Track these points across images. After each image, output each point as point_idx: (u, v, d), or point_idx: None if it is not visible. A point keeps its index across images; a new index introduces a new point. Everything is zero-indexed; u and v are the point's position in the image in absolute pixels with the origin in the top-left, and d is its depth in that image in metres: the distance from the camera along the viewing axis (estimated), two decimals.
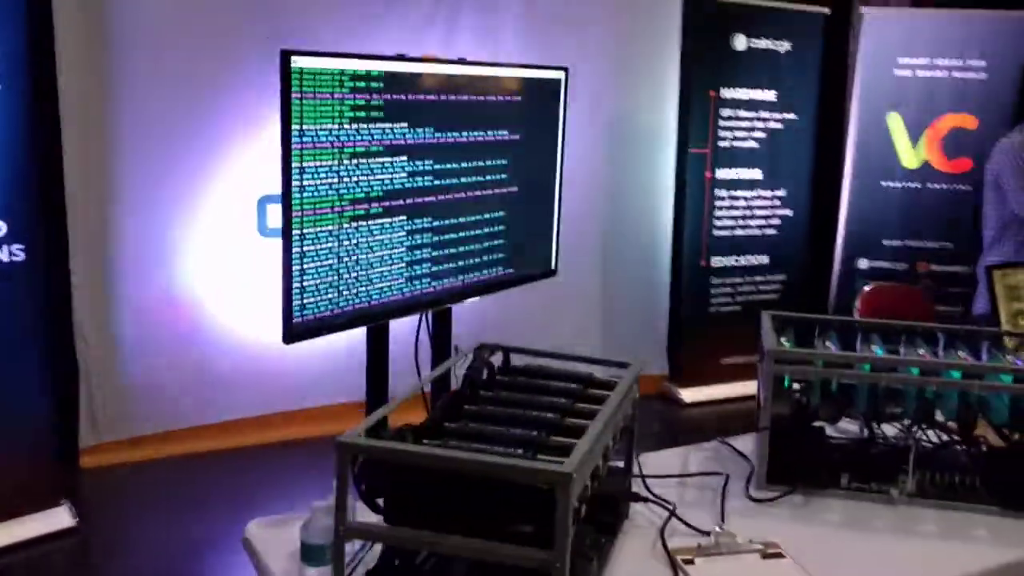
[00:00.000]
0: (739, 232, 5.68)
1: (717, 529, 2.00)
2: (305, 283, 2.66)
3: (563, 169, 3.58)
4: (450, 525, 1.62)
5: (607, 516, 1.96)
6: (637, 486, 2.12)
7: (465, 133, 3.11)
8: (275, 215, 3.82)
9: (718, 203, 5.58)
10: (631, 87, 5.46)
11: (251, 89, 4.30)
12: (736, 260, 5.72)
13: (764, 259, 5.79)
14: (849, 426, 2.37)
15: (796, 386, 2.29)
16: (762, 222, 5.74)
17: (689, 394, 5.57)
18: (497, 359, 2.11)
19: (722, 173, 5.56)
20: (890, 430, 2.31)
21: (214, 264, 4.45)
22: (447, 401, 1.89)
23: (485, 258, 3.29)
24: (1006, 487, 2.16)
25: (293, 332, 2.66)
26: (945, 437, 2.29)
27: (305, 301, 2.67)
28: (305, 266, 2.65)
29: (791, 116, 5.66)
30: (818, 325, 2.45)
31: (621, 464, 2.10)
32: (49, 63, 3.91)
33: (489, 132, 3.20)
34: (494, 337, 2.18)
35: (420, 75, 2.94)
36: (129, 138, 4.21)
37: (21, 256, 3.50)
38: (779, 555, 1.91)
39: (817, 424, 2.30)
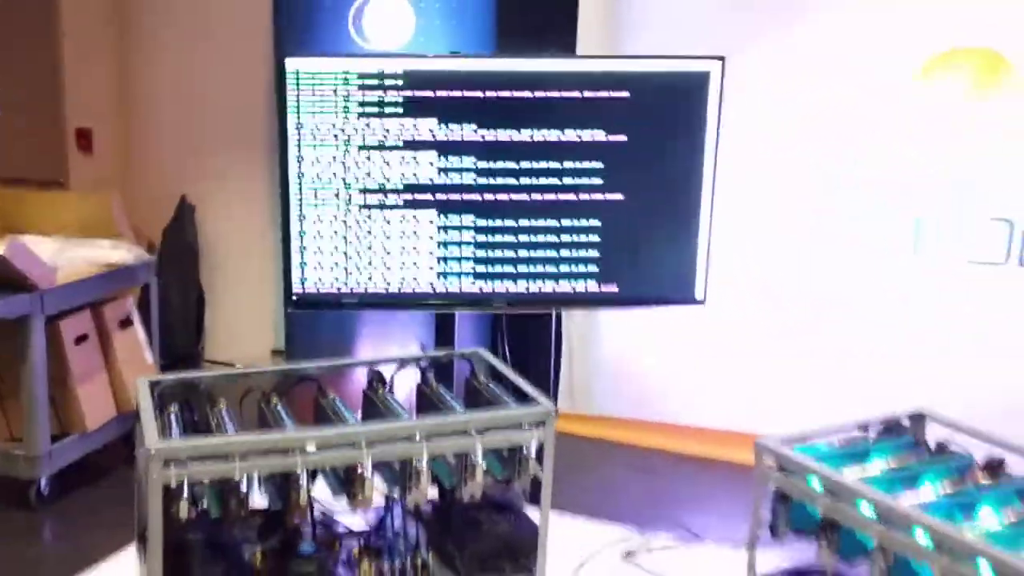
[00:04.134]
0: None
1: None
2: (306, 259, 2.99)
3: (715, 178, 2.98)
4: None
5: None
6: None
7: (527, 131, 2.93)
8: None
9: None
10: None
11: None
12: None
13: None
14: None
15: None
16: None
17: None
18: None
19: None
20: None
21: None
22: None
23: (565, 268, 3.01)
24: None
25: (295, 301, 3.02)
26: None
27: (306, 275, 3.00)
28: (305, 244, 2.98)
29: None
30: None
31: None
32: None
33: (567, 131, 2.93)
34: None
35: (454, 72, 2.92)
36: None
37: None
38: None
39: None
